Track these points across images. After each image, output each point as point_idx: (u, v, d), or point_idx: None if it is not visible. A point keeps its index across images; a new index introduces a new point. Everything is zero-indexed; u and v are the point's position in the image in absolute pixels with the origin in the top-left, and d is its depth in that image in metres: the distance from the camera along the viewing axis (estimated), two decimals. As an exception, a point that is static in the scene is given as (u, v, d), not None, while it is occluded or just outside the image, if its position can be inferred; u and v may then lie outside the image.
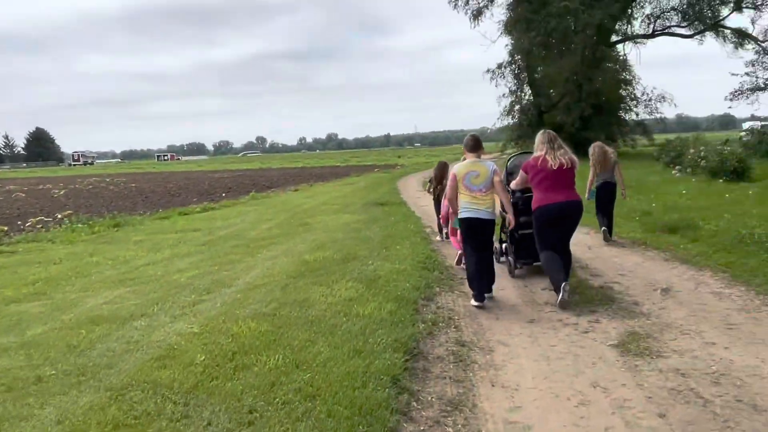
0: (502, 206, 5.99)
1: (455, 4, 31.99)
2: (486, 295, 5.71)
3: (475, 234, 5.69)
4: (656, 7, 33.23)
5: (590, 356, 4.24)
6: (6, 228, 12.54)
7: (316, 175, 35.43)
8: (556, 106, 31.06)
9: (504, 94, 33.45)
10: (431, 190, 9.95)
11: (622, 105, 33.79)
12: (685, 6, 32.75)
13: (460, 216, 5.72)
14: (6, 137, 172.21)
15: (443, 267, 7.30)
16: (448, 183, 5.91)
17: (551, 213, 5.61)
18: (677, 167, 17.61)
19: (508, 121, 33.24)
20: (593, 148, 8.62)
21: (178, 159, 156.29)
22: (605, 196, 8.58)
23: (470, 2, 31.94)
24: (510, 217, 6.03)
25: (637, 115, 33.68)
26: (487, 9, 32.36)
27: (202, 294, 6.00)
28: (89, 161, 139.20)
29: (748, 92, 24.26)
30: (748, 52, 29.64)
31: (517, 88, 33.07)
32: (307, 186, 24.72)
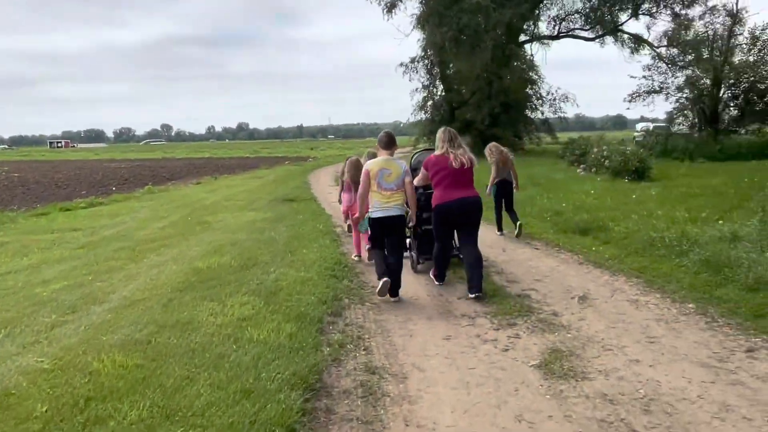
0: (407, 203, 5.90)
1: (369, -3, 31.47)
2: (393, 299, 5.71)
3: (385, 233, 5.74)
4: (561, 9, 34.44)
5: (512, 380, 3.81)
6: None
7: (222, 167, 33.78)
8: (467, 103, 31.41)
9: (417, 89, 33.41)
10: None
11: (528, 104, 34.74)
12: (587, 10, 34.16)
13: (371, 215, 5.70)
14: None
15: (353, 274, 6.72)
16: (362, 179, 5.78)
17: (451, 210, 5.76)
18: (582, 166, 18.10)
19: (421, 116, 33.27)
20: (491, 149, 9.03)
21: (74, 146, 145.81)
22: (505, 193, 9.01)
23: (384, -8, 31.54)
24: (413, 215, 6.04)
25: (542, 113, 34.80)
26: (401, 2, 32.12)
27: (65, 313, 5.05)
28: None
29: (645, 94, 25.55)
30: (644, 56, 31.36)
31: (430, 84, 33.10)
32: (212, 179, 23.33)
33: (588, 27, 35.20)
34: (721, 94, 23.39)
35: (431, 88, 33.28)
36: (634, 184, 13.74)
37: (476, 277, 5.67)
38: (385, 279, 5.52)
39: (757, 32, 22.57)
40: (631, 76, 25.75)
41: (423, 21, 30.65)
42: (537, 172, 18.00)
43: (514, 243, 8.46)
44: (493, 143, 9.40)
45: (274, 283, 5.85)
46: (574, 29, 35.64)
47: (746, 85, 22.63)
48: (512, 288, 6.10)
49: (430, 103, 33.10)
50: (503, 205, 9.10)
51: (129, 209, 13.22)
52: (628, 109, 39.98)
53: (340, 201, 8.01)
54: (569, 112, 37.31)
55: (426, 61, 32.41)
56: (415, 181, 6.05)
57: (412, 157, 7.22)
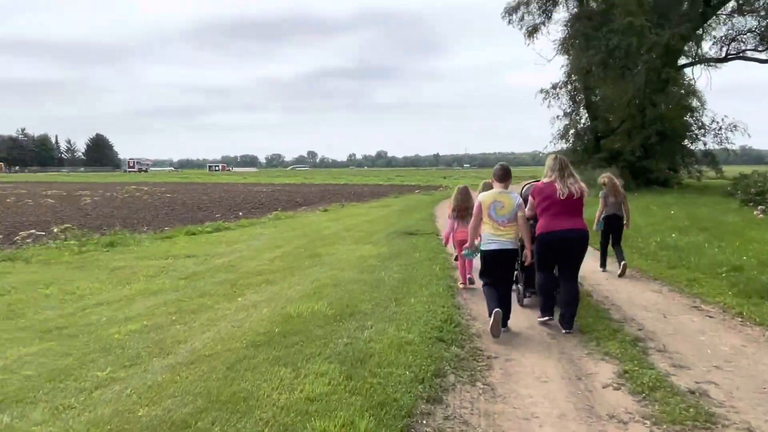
0: (521, 238, 5.76)
1: (509, 20, 30.13)
2: (502, 329, 5.53)
3: (496, 266, 5.61)
4: (731, 29, 30.38)
5: None
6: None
7: (354, 194, 34.01)
8: (615, 132, 28.61)
9: (558, 116, 31.17)
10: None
11: (687, 133, 30.90)
12: (763, 29, 29.80)
13: (482, 248, 5.65)
14: (68, 142, 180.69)
15: (466, 336, 5.46)
16: (474, 211, 5.80)
17: (555, 240, 5.57)
18: (760, 207, 15.12)
19: (562, 145, 30.89)
20: (605, 179, 8.53)
21: (229, 170, 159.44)
22: (614, 228, 8.44)
23: (525, 18, 30.04)
24: (527, 251, 5.72)
25: (704, 144, 30.75)
26: (544, 26, 30.41)
27: (123, 366, 4.39)
28: (144, 168, 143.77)
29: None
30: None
31: (573, 111, 30.74)
32: (339, 206, 23.18)
33: (763, 48, 30.68)
34: None
35: (574, 115, 30.92)
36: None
37: (569, 315, 5.62)
38: (496, 310, 5.34)
39: None
40: None
41: (567, 45, 28.64)
42: (702, 213, 15.38)
43: (679, 308, 6.66)
44: (607, 174, 8.81)
45: (365, 345, 4.79)
46: (746, 50, 31.27)
47: None
48: (680, 378, 4.49)
49: (572, 131, 30.70)
50: (610, 240, 8.57)
51: (250, 236, 13.10)
52: None
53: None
54: (737, 143, 32.58)
55: (569, 87, 30.23)
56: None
57: (523, 189, 6.75)
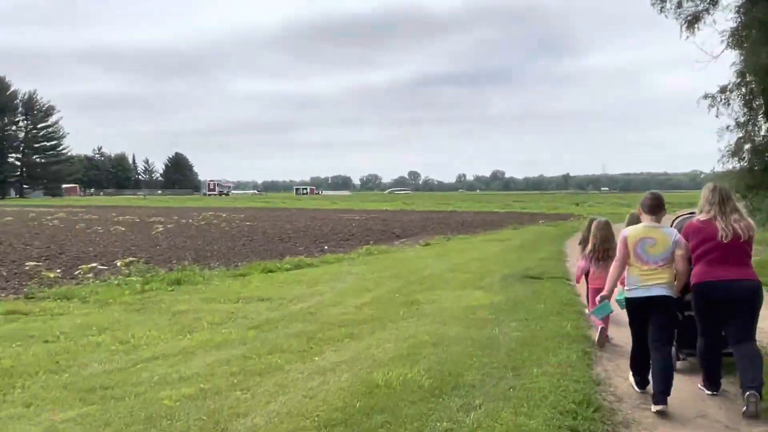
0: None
1: (661, 7, 28.52)
2: (663, 406, 5.03)
3: (645, 319, 5.37)
4: None
5: None
6: (54, 274, 12.22)
7: (463, 224, 33.57)
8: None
9: (728, 127, 28.74)
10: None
11: None
12: None
13: (627, 295, 5.45)
14: (146, 162, 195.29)
15: (610, 427, 4.83)
16: (617, 248, 5.61)
17: (717, 293, 5.21)
18: None
19: (734, 164, 28.52)
20: None
21: (317, 193, 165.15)
22: None
23: (683, 5, 28.28)
24: (676, 291, 5.43)
25: None
26: (707, 14, 28.43)
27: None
28: (224, 191, 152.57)
29: None
30: None
31: (748, 120, 28.31)
32: (444, 239, 22.81)
33: None
34: None
35: (750, 126, 28.54)
36: None
37: (751, 376, 4.84)
38: (660, 407, 5.01)
39: None
40: None
41: (740, 37, 26.64)
42: None
43: None
44: None
45: (471, 435, 4.34)
46: None
47: None
48: None
49: (747, 146, 28.30)
50: None
51: (334, 275, 13.01)
52: None
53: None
54: None
55: (743, 89, 28.01)
56: None
57: (673, 223, 6.41)
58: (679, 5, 27.87)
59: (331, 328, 8.00)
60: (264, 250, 19.53)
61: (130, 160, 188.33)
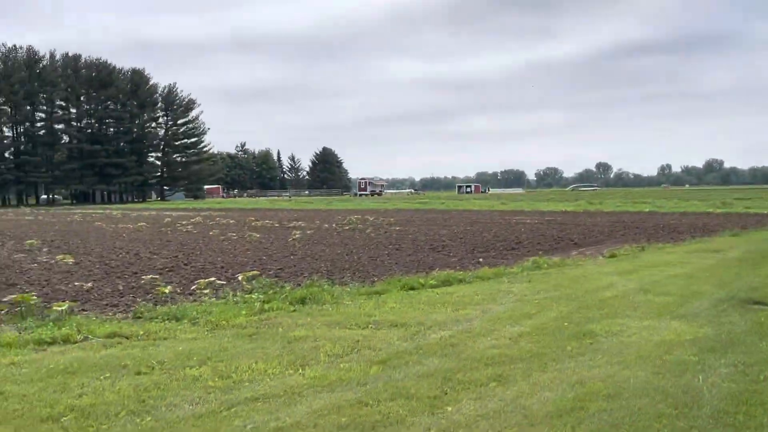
0: None
1: None
2: None
3: None
4: None
5: None
6: (169, 290, 12.59)
7: (664, 229, 31.42)
8: None
9: None
10: None
11: None
12: None
13: None
14: (292, 159, 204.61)
15: None
16: None
17: None
18: None
19: None
20: None
21: (484, 191, 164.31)
22: None
23: None
24: None
25: None
26: None
27: None
28: (377, 191, 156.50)
29: None
30: None
31: None
32: (637, 249, 21.24)
33: None
34: None
35: None
36: None
37: None
38: None
39: None
40: None
41: None
42: None
43: None
44: None
45: None
46: None
47: None
48: None
49: None
50: None
51: (489, 295, 12.29)
52: None
53: None
54: None
55: None
56: None
57: None
58: None
59: (475, 366, 7.41)
60: (410, 261, 19.20)
61: (275, 157, 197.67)
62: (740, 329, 9.03)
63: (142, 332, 9.46)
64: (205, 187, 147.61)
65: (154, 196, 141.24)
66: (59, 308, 11.10)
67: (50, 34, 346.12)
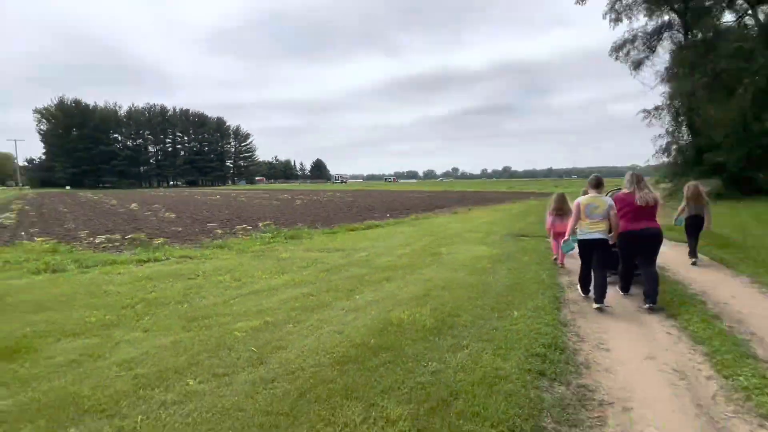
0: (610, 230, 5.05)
1: (616, 56, 24.98)
2: (601, 305, 4.87)
3: (590, 252, 5.06)
4: None
5: None
6: (222, 231, 11.65)
7: (482, 199, 31.31)
8: (719, 146, 22.21)
9: (660, 135, 25.09)
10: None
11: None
12: None
13: (579, 237, 5.09)
14: (301, 164, 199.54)
15: (573, 367, 3.43)
16: (573, 210, 5.17)
17: (634, 237, 5.05)
18: None
19: (664, 159, 24.87)
20: (688, 187, 7.42)
21: (397, 181, 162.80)
22: (694, 226, 7.30)
23: (631, 53, 24.68)
24: (614, 237, 5.09)
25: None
26: (648, 59, 24.79)
27: (213, 375, 3.19)
28: (344, 180, 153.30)
29: None
30: None
31: (675, 129, 24.55)
32: (467, 210, 20.97)
33: None
34: None
35: (676, 133, 24.75)
36: None
37: (653, 292, 4.90)
38: (599, 305, 4.89)
39: None
40: None
41: (671, 73, 22.97)
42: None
43: None
44: (692, 182, 7.57)
45: (453, 377, 3.07)
46: None
47: None
48: None
49: (674, 147, 24.60)
50: (693, 235, 7.34)
51: (391, 234, 11.77)
52: None
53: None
54: None
55: (672, 109, 24.22)
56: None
57: (609, 194, 5.74)
58: (627, 54, 24.38)
59: (377, 272, 6.82)
60: (354, 216, 18.47)
61: (292, 163, 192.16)
62: (513, 250, 8.65)
63: (199, 254, 8.52)
64: (256, 177, 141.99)
65: (229, 182, 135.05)
66: (157, 242, 10.08)
67: (176, 100, 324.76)
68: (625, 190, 5.24)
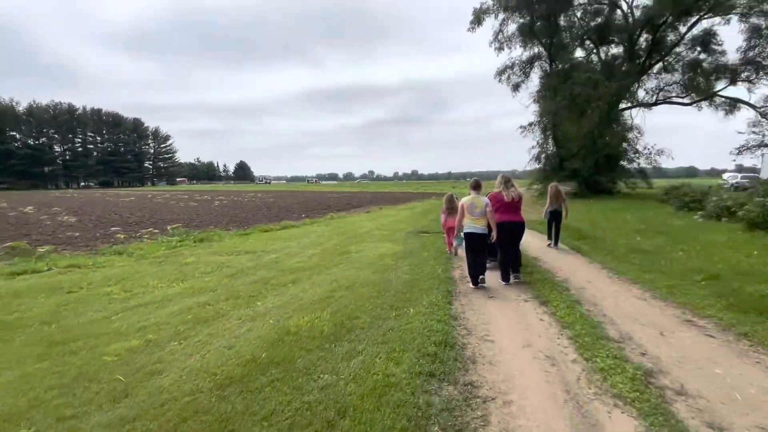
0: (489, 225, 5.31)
1: (500, 79, 27.04)
2: (479, 278, 5.34)
3: (473, 242, 5.32)
4: (661, 81, 26.38)
5: None
6: (123, 236, 9.96)
7: (393, 199, 31.69)
8: (575, 156, 25.11)
9: (533, 146, 27.94)
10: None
11: (626, 156, 27.11)
12: (686, 80, 25.66)
13: (464, 231, 5.36)
14: (224, 165, 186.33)
15: (461, 364, 3.22)
16: (459, 209, 5.46)
17: (504, 227, 5.47)
18: (699, 213, 11.95)
19: (535, 165, 27.62)
20: (550, 188, 8.30)
21: (317, 182, 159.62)
22: (554, 219, 8.22)
23: (511, 78, 26.90)
24: (494, 234, 5.37)
25: (638, 164, 26.80)
26: (523, 83, 27.17)
27: (57, 419, 2.38)
28: (268, 181, 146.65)
29: (754, 148, 17.63)
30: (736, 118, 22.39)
31: (543, 141, 27.30)
32: (378, 209, 20.91)
33: (684, 95, 26.47)
34: None
35: (544, 144, 27.50)
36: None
37: (516, 266, 5.60)
38: (474, 287, 5.31)
39: None
40: (740, 132, 18.03)
41: (540, 95, 25.39)
42: (651, 216, 12.37)
43: (672, 321, 4.17)
44: (554, 183, 8.54)
45: (343, 391, 2.64)
46: (671, 97, 27.05)
47: None
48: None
49: (543, 156, 27.32)
50: (554, 226, 8.25)
51: (304, 233, 11.06)
52: (733, 160, 27.96)
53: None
54: (665, 164, 28.46)
55: (541, 125, 26.83)
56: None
57: (487, 194, 5.98)
58: (508, 78, 26.51)
59: (284, 274, 6.16)
60: (273, 216, 17.27)
61: (215, 165, 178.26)
62: (415, 246, 8.50)
63: (91, 263, 7.05)
64: (177, 178, 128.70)
65: (149, 183, 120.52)
66: (42, 249, 8.22)
67: (86, 99, 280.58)
68: (496, 190, 5.74)
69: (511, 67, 26.56)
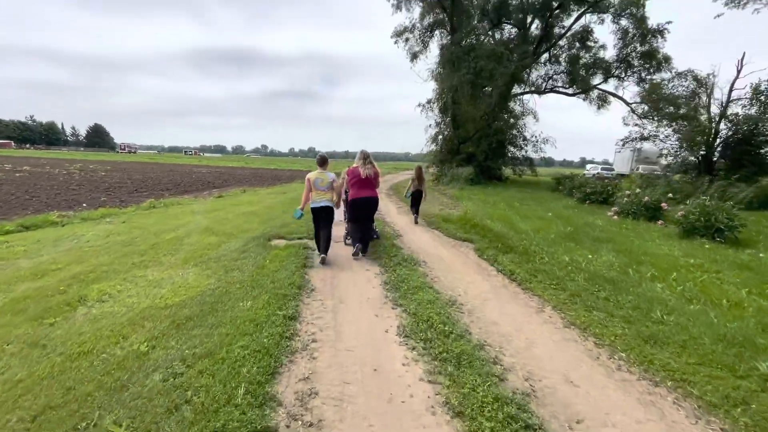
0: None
1: (396, 41, 24.08)
2: (324, 255, 5.38)
3: (320, 216, 5.41)
4: (549, 70, 26.82)
5: None
6: None
7: (273, 177, 26.74)
8: (471, 139, 23.73)
9: (431, 125, 25.88)
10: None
11: (515, 143, 27.08)
12: (569, 71, 26.49)
13: (311, 206, 5.41)
14: (72, 128, 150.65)
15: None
16: (305, 184, 5.47)
17: (357, 203, 5.65)
18: (614, 209, 10.43)
19: (433, 147, 25.66)
20: (416, 170, 8.63)
21: (199, 155, 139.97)
22: (417, 198, 8.59)
23: (409, 41, 24.12)
24: (338, 203, 5.55)
25: (526, 151, 27.02)
26: (422, 53, 24.67)
27: None
28: (133, 150, 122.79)
29: (636, 140, 18.08)
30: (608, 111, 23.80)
31: (442, 121, 25.43)
32: (240, 191, 16.07)
33: (568, 86, 27.42)
34: (716, 144, 15.59)
35: (443, 125, 25.64)
36: (729, 251, 6.26)
37: (365, 242, 5.74)
38: (323, 257, 5.35)
39: (762, 86, 14.63)
40: (626, 124, 18.45)
41: (441, 68, 23.10)
42: (563, 211, 10.50)
43: None
44: (418, 165, 8.93)
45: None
46: (557, 86, 27.82)
47: (742, 135, 14.81)
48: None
49: (440, 137, 25.47)
50: (415, 204, 8.66)
51: (60, 241, 6.18)
52: (619, 152, 30.07)
53: None
54: (549, 152, 29.56)
55: (440, 102, 24.78)
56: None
57: (343, 170, 6.10)
58: (406, 41, 23.68)
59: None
60: (60, 203, 11.16)
61: (60, 127, 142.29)
62: (245, 275, 4.71)
63: None
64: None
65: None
66: None
67: None
68: (354, 164, 5.79)
69: (411, 30, 23.70)
